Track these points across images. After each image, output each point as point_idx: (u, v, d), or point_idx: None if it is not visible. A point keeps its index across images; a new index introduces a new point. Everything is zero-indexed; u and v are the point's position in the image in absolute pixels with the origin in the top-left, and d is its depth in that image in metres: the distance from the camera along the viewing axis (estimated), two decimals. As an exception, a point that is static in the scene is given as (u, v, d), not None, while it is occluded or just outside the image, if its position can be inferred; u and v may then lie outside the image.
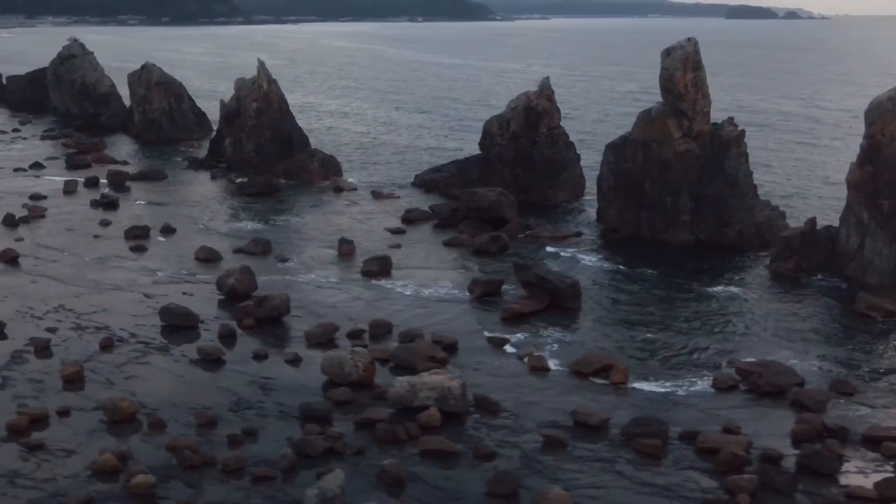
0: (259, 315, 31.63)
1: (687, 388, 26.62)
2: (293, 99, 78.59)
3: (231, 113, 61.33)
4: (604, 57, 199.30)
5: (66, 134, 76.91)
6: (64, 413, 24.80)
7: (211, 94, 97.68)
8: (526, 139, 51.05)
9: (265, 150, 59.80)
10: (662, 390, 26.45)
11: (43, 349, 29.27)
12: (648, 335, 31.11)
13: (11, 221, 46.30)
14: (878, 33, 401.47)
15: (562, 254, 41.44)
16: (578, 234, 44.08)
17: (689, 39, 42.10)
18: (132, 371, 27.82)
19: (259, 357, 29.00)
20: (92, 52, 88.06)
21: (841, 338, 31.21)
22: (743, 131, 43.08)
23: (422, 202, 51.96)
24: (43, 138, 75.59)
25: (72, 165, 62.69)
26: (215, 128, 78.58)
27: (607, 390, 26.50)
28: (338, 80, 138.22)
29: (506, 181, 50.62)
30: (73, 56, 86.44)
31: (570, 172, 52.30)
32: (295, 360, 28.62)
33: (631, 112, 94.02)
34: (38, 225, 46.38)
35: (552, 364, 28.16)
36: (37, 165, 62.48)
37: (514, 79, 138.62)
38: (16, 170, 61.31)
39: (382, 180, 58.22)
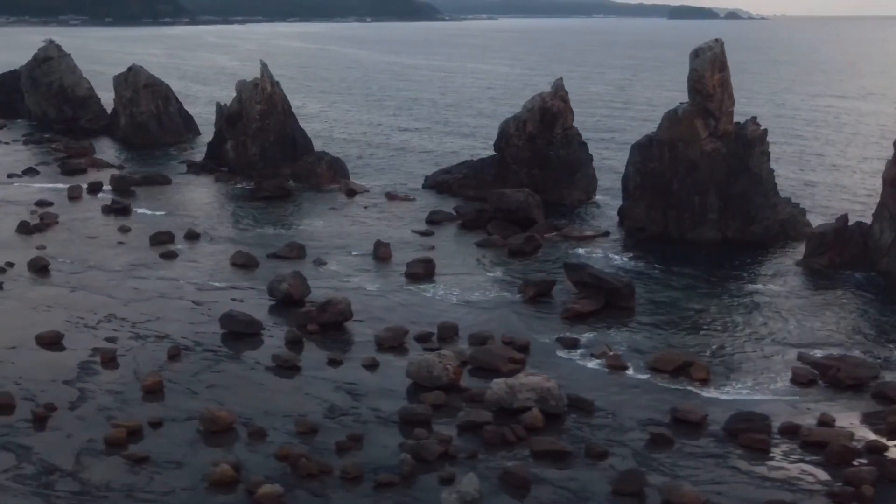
0: (322, 320, 31.37)
1: (767, 383, 27.18)
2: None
3: (233, 115, 60.52)
4: (565, 57, 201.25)
5: (49, 138, 75.00)
6: (157, 424, 24.33)
7: (182, 96, 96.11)
8: (542, 140, 51.45)
9: (269, 152, 59.18)
10: (744, 386, 26.99)
11: (110, 360, 28.64)
12: (708, 332, 31.66)
13: (27, 229, 45.08)
14: (818, 34, 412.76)
15: (594, 254, 41.88)
16: (606, 234, 44.60)
17: (716, 41, 42.92)
18: (210, 380, 27.39)
19: (334, 363, 28.77)
20: (69, 55, 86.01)
21: (891, 330, 32.17)
22: (765, 130, 44.10)
23: (435, 204, 51.93)
24: (25, 143, 73.56)
25: (67, 171, 61.23)
26: (202, 130, 78.22)
27: (690, 387, 26.95)
28: (313, 81, 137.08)
29: (522, 181, 50.92)
30: (50, 58, 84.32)
31: (583, 172, 52.84)
32: (372, 365, 28.48)
33: (608, 112, 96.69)
34: (54, 232, 45.20)
35: (629, 363, 28.54)
36: (31, 171, 60.90)
37: (488, 79, 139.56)
38: (10, 176, 59.63)
39: (389, 182, 58.06)
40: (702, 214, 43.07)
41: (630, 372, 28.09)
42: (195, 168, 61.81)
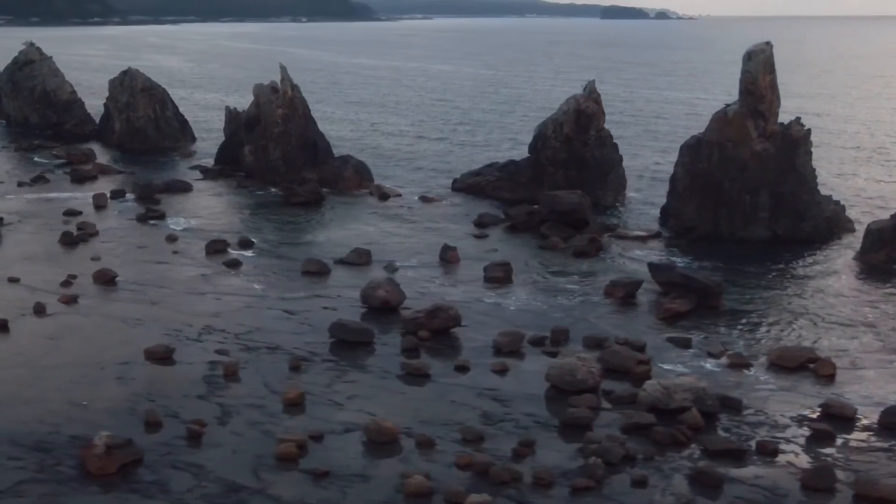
0: (432, 326, 31.27)
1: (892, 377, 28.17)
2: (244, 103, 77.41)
3: (251, 120, 59.58)
4: (519, 58, 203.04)
5: (39, 145, 72.64)
6: (318, 437, 23.97)
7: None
8: (578, 141, 52.04)
9: (291, 157, 58.47)
10: (871, 381, 27.91)
11: (233, 373, 28.07)
12: (805, 328, 32.57)
13: (70, 240, 43.71)
14: (744, 33, 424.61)
15: (652, 254, 42.60)
16: (658, 234, 45.38)
17: (767, 43, 44.12)
18: (347, 390, 27.02)
19: (462, 369, 28.72)
20: (50, 58, 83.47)
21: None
22: (809, 130, 45.49)
23: (471, 206, 52.17)
24: (18, 150, 71.12)
25: (77, 178, 59.43)
26: (196, 136, 76.87)
27: (820, 383, 27.73)
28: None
29: (558, 183, 51.44)
30: (31, 61, 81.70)
31: (615, 173, 53.67)
32: (503, 370, 28.50)
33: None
34: (99, 243, 43.86)
35: (750, 360, 29.22)
36: (40, 179, 58.88)
37: (456, 79, 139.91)
38: (20, 184, 57.61)
39: (414, 185, 57.95)
40: (752, 213, 44.18)
41: (753, 370, 28.79)
42: (211, 174, 60.63)
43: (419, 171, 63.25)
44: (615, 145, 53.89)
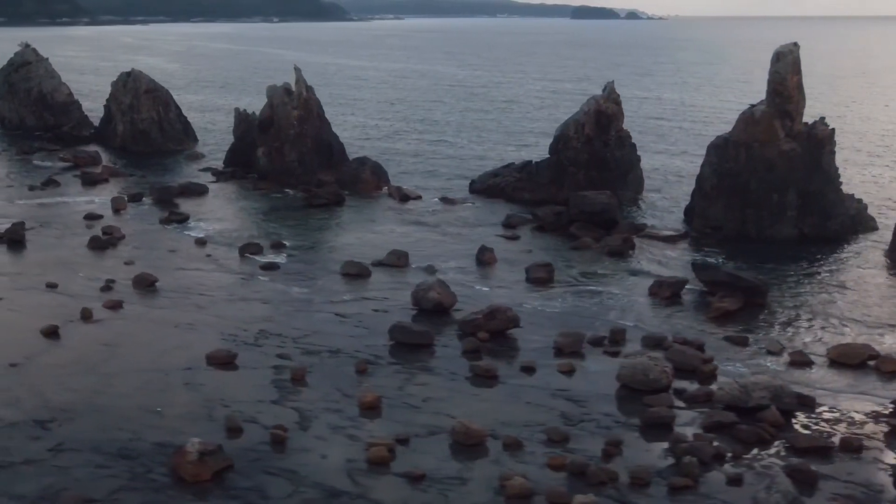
0: (490, 328, 31.33)
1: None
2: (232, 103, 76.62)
3: (265, 122, 59.21)
4: (503, 58, 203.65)
5: (39, 147, 71.65)
6: (404, 441, 23.93)
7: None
8: (599, 142, 52.35)
9: (306, 159, 58.20)
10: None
11: (301, 378, 27.91)
12: (855, 324, 33.09)
13: (98, 244, 43.17)
14: (719, 33, 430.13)
15: (685, 254, 43.01)
16: (686, 234, 45.80)
17: (795, 44, 44.72)
18: (420, 393, 26.97)
19: (528, 370, 28.80)
20: (46, 59, 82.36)
21: None
22: (833, 130, 46.17)
23: (491, 207, 52.33)
24: (19, 153, 70.04)
25: (88, 181, 58.74)
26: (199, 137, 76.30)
27: (884, 379, 28.15)
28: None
29: (580, 183, 51.71)
30: (28, 63, 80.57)
31: (634, 173, 54.10)
32: (570, 371, 28.61)
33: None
34: (128, 247, 43.31)
35: (811, 357, 29.62)
36: (52, 183, 58.04)
37: (446, 80, 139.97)
38: (31, 188, 56.77)
39: (430, 186, 57.92)
40: (780, 212, 44.73)
41: (814, 367, 29.17)
42: (224, 176, 60.18)
43: (432, 173, 63.19)
44: (633, 145, 54.32)
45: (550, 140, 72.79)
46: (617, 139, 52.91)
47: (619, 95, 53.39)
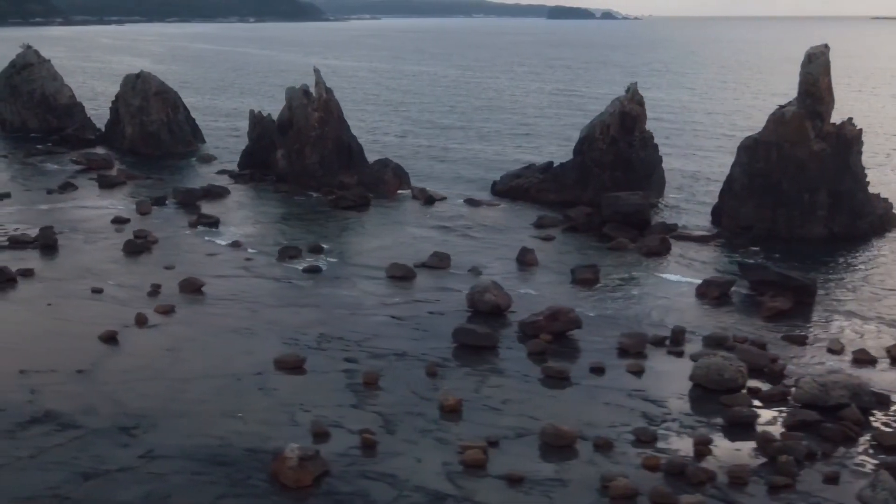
0: (553, 329, 31.47)
1: None
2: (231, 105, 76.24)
3: (284, 124, 58.97)
4: (489, 58, 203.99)
5: (50, 150, 70.82)
6: (493, 443, 23.99)
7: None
8: (623, 143, 52.70)
9: (327, 161, 58.03)
10: None
11: (374, 382, 27.87)
12: (903, 323, 33.74)
13: (133, 248, 42.79)
14: (699, 32, 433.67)
15: (721, 254, 43.42)
16: (718, 234, 46.23)
17: (825, 46, 45.33)
18: (499, 395, 26.97)
19: (597, 370, 28.94)
20: (48, 61, 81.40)
21: None
22: (860, 130, 46.83)
23: (517, 208, 52.59)
24: (27, 156, 69.15)
25: (105, 184, 58.16)
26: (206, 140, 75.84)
27: (948, 375, 28.74)
28: (270, 86, 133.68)
29: (605, 184, 52.04)
30: (30, 65, 79.58)
31: (657, 174, 54.52)
32: (640, 371, 28.84)
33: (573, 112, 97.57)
34: (164, 252, 42.92)
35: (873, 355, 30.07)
36: (68, 186, 57.39)
37: (439, 80, 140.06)
38: (49, 192, 56.11)
39: (451, 188, 57.97)
40: (810, 212, 45.31)
41: (878, 365, 29.61)
42: (243, 178, 59.87)
43: (449, 174, 63.22)
44: (656, 146, 54.74)
45: (559, 140, 72.89)
46: (640, 140, 53.28)
47: (642, 97, 53.77)
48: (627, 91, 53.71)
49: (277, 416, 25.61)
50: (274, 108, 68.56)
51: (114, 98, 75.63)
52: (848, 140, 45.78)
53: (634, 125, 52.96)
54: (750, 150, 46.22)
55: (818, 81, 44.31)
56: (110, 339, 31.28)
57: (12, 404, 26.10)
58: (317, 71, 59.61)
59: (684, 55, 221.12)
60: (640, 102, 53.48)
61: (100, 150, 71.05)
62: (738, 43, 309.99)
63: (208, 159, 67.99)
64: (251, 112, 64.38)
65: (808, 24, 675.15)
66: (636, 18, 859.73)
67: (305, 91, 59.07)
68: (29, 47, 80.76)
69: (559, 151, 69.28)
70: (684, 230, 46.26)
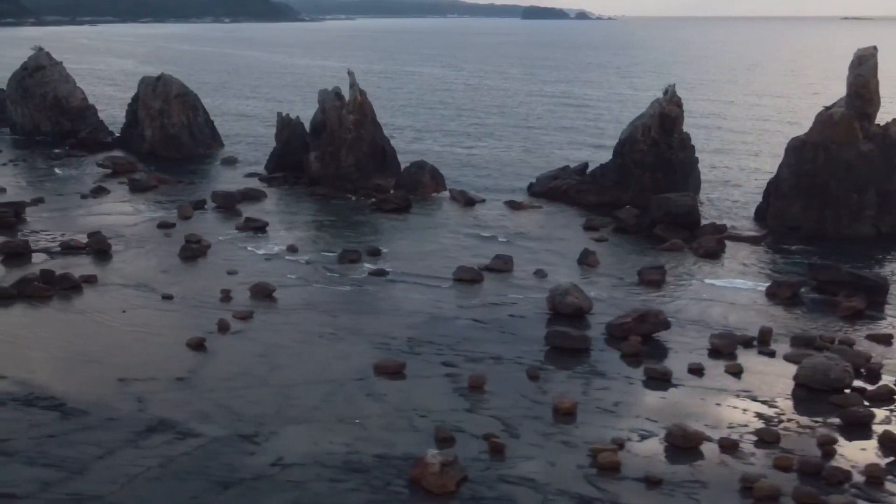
0: (641, 331, 31.66)
1: None
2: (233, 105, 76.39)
3: (318, 126, 58.71)
4: (478, 58, 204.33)
5: (69, 153, 69.91)
6: (620, 445, 24.13)
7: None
8: (663, 144, 53.08)
9: (363, 163, 57.87)
10: None
11: (479, 386, 27.83)
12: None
13: (189, 254, 42.41)
14: (677, 33, 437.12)
15: (777, 254, 43.83)
16: (767, 234, 46.71)
17: (874, 48, 46.01)
18: (609, 398, 27.04)
19: (695, 371, 29.13)
20: (61, 63, 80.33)
21: None
22: (906, 131, 47.64)
23: (557, 209, 52.83)
24: (50, 158, 68.27)
25: (137, 188, 57.48)
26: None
27: None
28: (270, 88, 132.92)
29: (645, 185, 52.42)
30: (42, 67, 78.47)
31: (693, 175, 54.98)
32: (738, 372, 29.10)
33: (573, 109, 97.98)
34: (216, 256, 42.56)
35: (964, 354, 30.64)
36: (101, 190, 56.75)
37: (440, 81, 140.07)
38: (83, 196, 55.41)
39: (485, 189, 58.03)
40: (858, 211, 45.95)
41: (971, 362, 30.17)
42: (277, 181, 59.51)
43: (479, 176, 63.23)
44: (693, 147, 55.18)
45: (566, 140, 72.87)
46: (679, 141, 53.70)
47: (680, 98, 54.20)
48: (665, 93, 54.08)
49: (396, 422, 25.52)
50: (277, 109, 68.65)
51: (130, 100, 74.97)
52: (894, 140, 46.48)
53: (674, 127, 53.35)
54: (798, 151, 46.78)
55: (869, 83, 44.99)
56: (199, 345, 31.00)
57: (123, 413, 25.82)
58: (351, 73, 59.43)
59: (669, 55, 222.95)
60: (679, 104, 53.88)
61: (117, 154, 70.29)
62: (717, 42, 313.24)
63: (232, 162, 67.47)
64: (278, 115, 64.04)
65: (779, 24, 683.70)
66: (610, 19, 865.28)
67: (337, 93, 58.90)
68: (40, 49, 79.67)
69: (579, 154, 69.81)
70: (734, 231, 46.72)
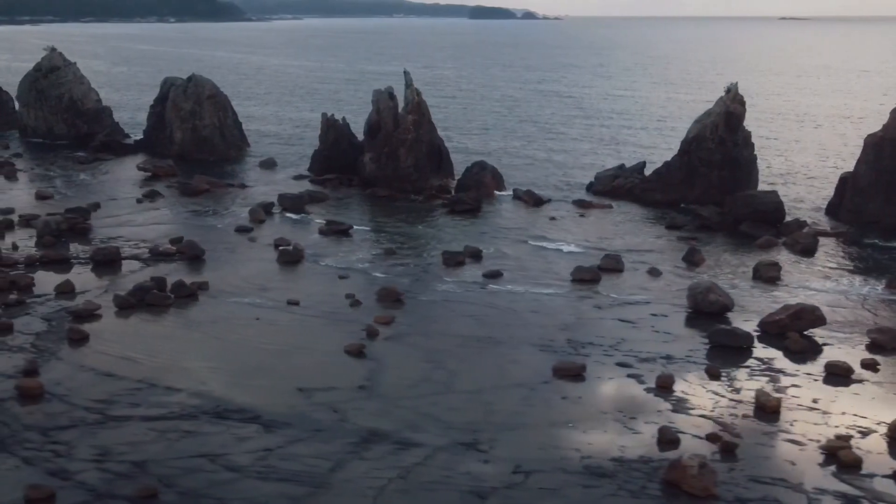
0: (797, 328, 31.81)
1: None
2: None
3: (373, 127, 57.84)
4: (453, 57, 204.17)
5: (96, 157, 67.74)
6: (845, 440, 24.20)
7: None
8: (730, 142, 53.58)
9: (421, 164, 57.22)
10: None
11: (667, 386, 27.64)
12: None
13: (288, 259, 41.34)
14: (627, 33, 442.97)
15: (867, 249, 44.51)
16: (849, 230, 47.45)
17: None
18: (797, 394, 27.12)
19: (870, 367, 29.24)
20: (74, 63, 77.76)
21: None
22: (971, 126, 48.88)
23: (627, 208, 52.96)
24: (77, 161, 66.01)
25: (188, 192, 55.93)
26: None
27: None
28: (264, 89, 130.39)
29: (712, 183, 52.87)
30: (56, 68, 75.88)
31: (754, 172, 55.62)
32: (914, 370, 29.57)
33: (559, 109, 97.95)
34: (314, 262, 41.54)
35: None
36: (153, 195, 55.08)
37: (441, 84, 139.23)
38: (139, 201, 53.67)
39: (545, 189, 57.82)
40: (935, 205, 47.06)
41: None
42: (332, 182, 58.48)
43: (527, 174, 63.06)
44: (753, 145, 55.82)
45: (574, 139, 72.67)
46: (742, 139, 54.27)
47: (742, 97, 54.77)
48: (728, 91, 54.58)
49: (609, 425, 25.19)
50: (275, 110, 67.72)
51: (152, 102, 73.02)
52: (965, 136, 47.69)
53: (738, 124, 53.90)
54: (877, 147, 47.64)
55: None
56: (359, 352, 30.22)
57: (325, 424, 25.00)
58: (406, 73, 58.63)
59: (633, 55, 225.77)
60: (742, 102, 54.43)
61: (143, 157, 68.29)
62: (672, 42, 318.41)
63: (271, 165, 66.02)
64: (323, 115, 62.90)
65: (722, 24, 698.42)
66: (556, 19, 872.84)
67: (391, 94, 58.13)
68: (53, 50, 76.96)
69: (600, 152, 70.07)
70: (816, 226, 47.39)
